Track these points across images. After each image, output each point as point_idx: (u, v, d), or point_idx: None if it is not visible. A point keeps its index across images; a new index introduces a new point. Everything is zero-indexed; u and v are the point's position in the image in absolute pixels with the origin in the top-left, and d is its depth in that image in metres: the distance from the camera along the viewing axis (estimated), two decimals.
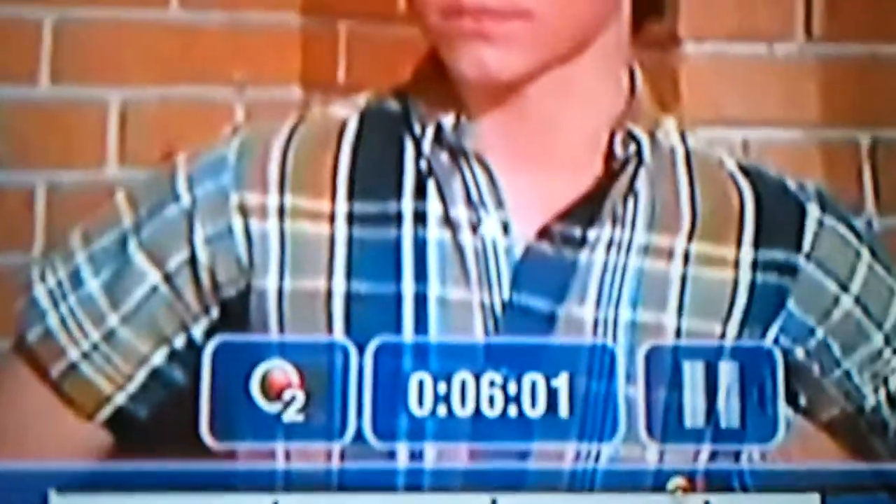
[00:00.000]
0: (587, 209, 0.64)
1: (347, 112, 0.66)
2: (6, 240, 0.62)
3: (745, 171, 0.67)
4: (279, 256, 0.64)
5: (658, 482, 0.64)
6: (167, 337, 0.65)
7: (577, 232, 0.64)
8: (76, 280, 0.65)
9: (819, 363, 0.66)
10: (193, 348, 0.65)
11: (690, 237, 0.65)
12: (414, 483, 0.63)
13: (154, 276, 0.65)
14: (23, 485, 0.63)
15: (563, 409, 0.64)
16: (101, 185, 0.63)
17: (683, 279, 0.65)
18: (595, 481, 0.64)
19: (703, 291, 0.64)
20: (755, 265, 0.65)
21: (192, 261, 0.65)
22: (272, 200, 0.64)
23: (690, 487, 0.63)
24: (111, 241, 0.65)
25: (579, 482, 0.64)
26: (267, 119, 0.68)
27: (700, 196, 0.65)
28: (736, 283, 0.65)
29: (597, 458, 0.64)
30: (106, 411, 0.65)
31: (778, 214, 0.65)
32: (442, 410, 0.64)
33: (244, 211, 0.64)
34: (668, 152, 0.66)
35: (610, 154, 0.64)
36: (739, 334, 0.64)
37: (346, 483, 0.63)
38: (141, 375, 0.65)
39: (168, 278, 0.65)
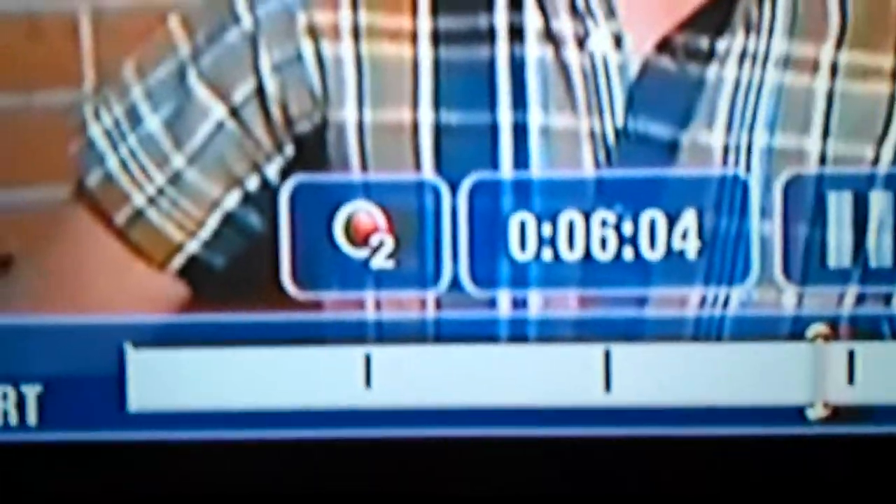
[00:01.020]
0: (715, 14, 0.55)
1: None
2: (51, 76, 0.56)
3: None
4: (357, 84, 0.57)
5: (796, 329, 0.56)
6: (239, 178, 0.58)
7: (704, 42, 0.55)
8: (134, 117, 0.59)
9: None
10: (269, 190, 0.58)
11: (839, 44, 0.55)
12: (518, 334, 0.57)
13: (219, 111, 0.58)
14: (96, 339, 0.58)
15: (688, 250, 0.56)
16: (152, 9, 0.55)
17: (830, 95, 0.55)
18: (723, 330, 0.56)
19: (853, 109, 0.55)
20: None
21: (260, 91, 0.57)
22: (345, 18, 0.56)
23: (834, 335, 0.56)
24: (169, 72, 0.58)
25: (705, 331, 0.57)
26: None
27: None
28: (893, 97, 0.56)
29: (725, 303, 0.56)
30: (178, 260, 0.59)
31: None
32: (547, 254, 0.57)
33: (314, 32, 0.57)
34: None
35: None
36: None
37: (443, 334, 0.57)
38: (213, 221, 0.59)
39: (234, 112, 0.58)
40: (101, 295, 0.60)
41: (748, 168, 0.56)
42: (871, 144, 0.56)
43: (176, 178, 0.59)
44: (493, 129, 0.57)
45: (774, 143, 0.56)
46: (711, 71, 0.56)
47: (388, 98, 0.58)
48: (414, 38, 0.57)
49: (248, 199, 0.59)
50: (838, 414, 0.56)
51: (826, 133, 0.56)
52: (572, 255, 0.57)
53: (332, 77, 0.58)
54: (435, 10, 0.57)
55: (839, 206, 0.56)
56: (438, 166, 0.57)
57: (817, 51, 0.56)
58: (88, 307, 0.60)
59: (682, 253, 0.57)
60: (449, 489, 0.58)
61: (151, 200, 0.60)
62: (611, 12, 0.56)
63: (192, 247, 0.60)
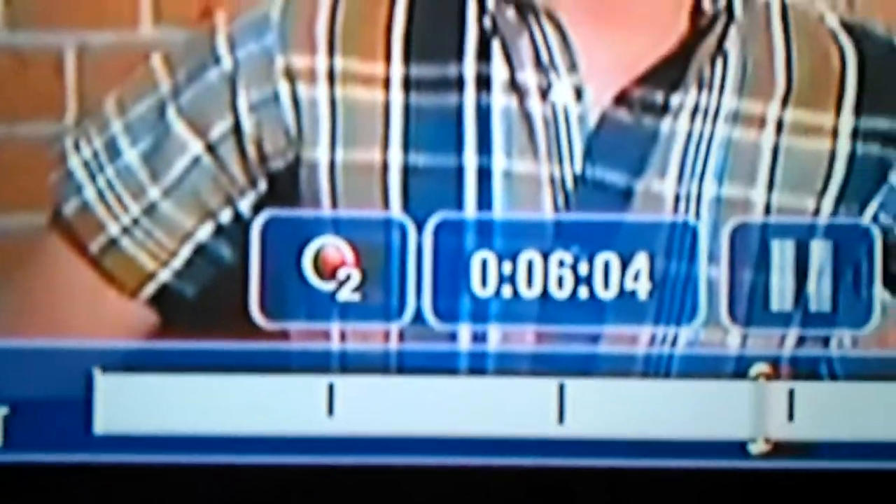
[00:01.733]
0: (670, 72, 0.59)
1: None
2: (34, 108, 0.58)
3: (849, 28, 0.60)
4: (330, 125, 0.60)
5: (740, 368, 0.59)
6: (212, 211, 0.61)
7: (659, 97, 0.59)
8: (113, 150, 0.61)
9: None
10: (240, 223, 0.61)
11: (785, 103, 0.59)
12: (477, 367, 0.60)
13: (196, 146, 0.60)
14: (66, 363, 0.60)
15: (639, 291, 0.59)
16: (136, 47, 0.58)
17: (776, 150, 0.59)
18: (671, 367, 0.59)
19: (796, 163, 0.59)
20: (855, 134, 0.59)
21: (237, 129, 0.60)
22: (321, 63, 0.59)
23: (775, 374, 0.59)
24: (148, 107, 0.61)
25: (654, 367, 0.59)
26: None
27: (797, 56, 0.59)
28: (833, 154, 0.59)
29: (674, 342, 0.60)
30: (150, 288, 0.61)
31: (884, 78, 0.59)
32: (507, 291, 0.60)
33: (291, 75, 0.59)
34: (763, 7, 0.60)
35: (696, 10, 0.59)
36: (835, 211, 0.59)
37: (405, 366, 0.60)
38: (185, 251, 0.61)
39: (211, 148, 0.60)
40: (72, 320, 0.62)
41: (698, 216, 0.60)
42: (812, 197, 0.60)
43: (151, 210, 0.62)
44: (459, 171, 0.60)
45: (723, 192, 0.60)
46: (665, 124, 0.60)
47: (359, 139, 0.60)
48: (386, 83, 0.60)
49: (220, 231, 0.62)
50: (779, 449, 0.59)
51: (771, 185, 0.60)
52: (531, 293, 0.60)
53: (306, 118, 0.61)
54: (407, 58, 0.60)
55: (782, 253, 0.60)
56: (406, 205, 0.60)
57: (764, 108, 0.60)
58: (59, 332, 0.61)
59: (633, 293, 0.60)
60: None
61: (126, 230, 0.62)
62: (573, 66, 0.60)
63: (164, 276, 0.62)
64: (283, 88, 0.61)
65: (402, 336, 0.60)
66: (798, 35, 0.61)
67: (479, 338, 0.60)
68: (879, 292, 0.60)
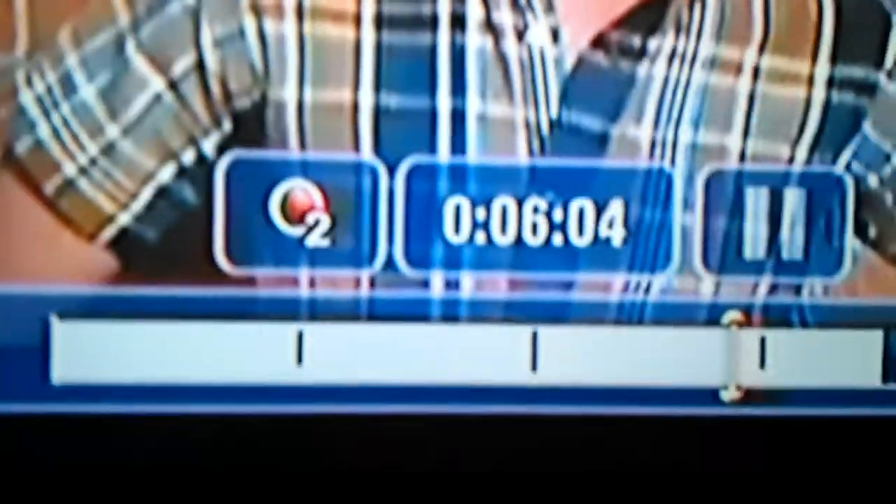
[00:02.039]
0: (648, 15, 0.58)
1: None
2: None
3: None
4: (298, 64, 0.57)
5: (712, 316, 0.59)
6: (174, 151, 0.58)
7: (637, 41, 0.58)
8: (68, 85, 0.58)
9: (893, 192, 0.61)
10: (204, 164, 0.58)
11: (762, 49, 0.59)
12: (449, 314, 0.59)
13: (157, 83, 0.58)
14: (21, 310, 0.57)
15: (613, 238, 0.59)
16: None
17: (752, 97, 0.59)
18: (644, 314, 0.59)
19: (772, 111, 0.59)
20: (831, 82, 0.59)
21: (200, 66, 0.57)
22: None
23: (747, 322, 0.59)
24: (106, 41, 0.58)
25: (627, 315, 0.59)
26: None
27: (774, 3, 0.59)
28: (808, 102, 0.59)
29: (647, 289, 0.59)
30: (109, 232, 0.58)
31: (859, 25, 0.59)
32: (480, 238, 0.59)
33: (257, 9, 0.57)
34: None
35: None
36: (809, 159, 0.59)
37: (376, 313, 0.58)
38: (146, 193, 0.58)
39: (173, 85, 0.58)
40: (27, 265, 0.59)
41: (673, 162, 0.59)
42: (787, 144, 0.60)
43: (109, 149, 0.59)
44: (432, 113, 0.58)
45: (698, 139, 0.59)
46: (642, 68, 0.59)
47: (329, 79, 0.58)
48: (357, 20, 0.58)
49: (183, 172, 0.59)
50: (750, 396, 0.60)
51: (746, 132, 0.60)
52: (504, 240, 0.59)
53: (273, 55, 0.58)
54: None
55: (756, 201, 0.60)
56: (377, 148, 0.58)
57: (741, 54, 0.60)
58: (14, 276, 0.58)
59: (608, 240, 0.59)
60: (378, 464, 0.59)
61: (83, 170, 0.59)
62: (550, 7, 0.58)
63: (124, 219, 0.59)
64: (250, 23, 0.58)
65: (372, 283, 0.59)
66: None
67: (451, 285, 0.59)
68: (851, 241, 0.60)
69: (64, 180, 0.59)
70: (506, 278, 0.59)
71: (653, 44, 0.59)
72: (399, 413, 0.59)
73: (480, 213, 0.59)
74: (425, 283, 0.59)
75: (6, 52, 0.58)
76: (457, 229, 0.59)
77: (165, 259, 0.59)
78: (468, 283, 0.59)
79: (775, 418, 0.59)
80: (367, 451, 0.59)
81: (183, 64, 0.58)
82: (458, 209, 0.59)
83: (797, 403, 0.60)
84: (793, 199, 0.60)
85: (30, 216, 0.59)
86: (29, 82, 0.59)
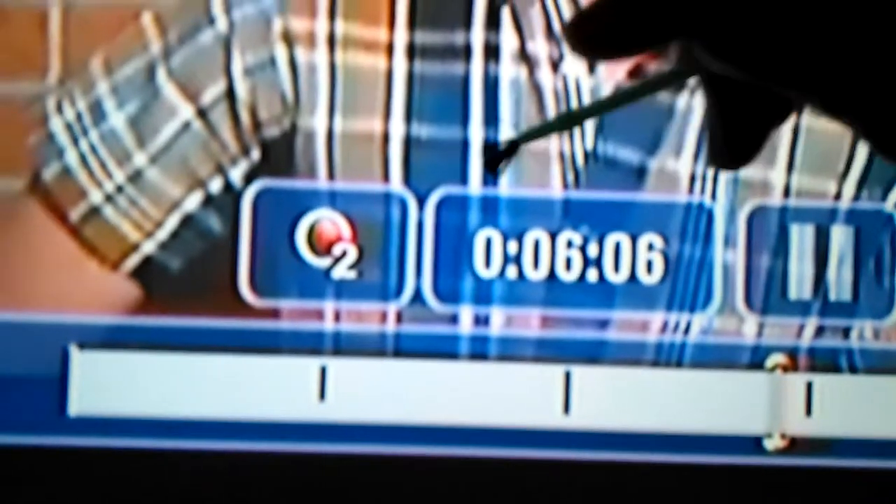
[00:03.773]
0: None
1: None
2: (16, 66, 0.54)
3: None
4: (329, 92, 0.56)
5: (755, 359, 0.56)
6: (201, 180, 0.57)
7: None
8: (98, 113, 0.57)
9: None
10: (231, 193, 0.57)
11: None
12: (478, 351, 0.56)
13: (186, 111, 0.57)
14: (41, 338, 0.56)
15: (651, 275, 0.56)
16: (125, 5, 0.55)
17: (796, 130, 0.57)
18: (683, 356, 0.56)
19: (817, 144, 0.56)
20: None
21: (230, 94, 0.57)
22: (321, 27, 0.56)
23: (792, 366, 0.56)
24: (137, 69, 0.57)
25: (665, 356, 0.56)
26: None
27: None
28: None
29: (686, 330, 0.56)
30: (133, 260, 0.57)
31: None
32: (512, 272, 0.56)
33: (289, 39, 0.56)
34: None
35: None
36: (857, 195, 0.56)
37: (402, 348, 0.56)
38: (172, 222, 0.57)
39: (202, 113, 0.57)
40: (47, 294, 0.58)
41: (714, 196, 0.57)
42: (833, 180, 0.58)
43: (136, 177, 0.58)
44: (464, 144, 0.57)
45: (740, 173, 0.57)
46: (682, 100, 0.57)
47: (359, 108, 0.57)
48: (390, 50, 0.57)
49: (209, 201, 0.58)
50: (796, 445, 0.56)
51: (791, 166, 0.57)
52: (537, 275, 0.57)
53: (304, 83, 0.58)
54: (412, 24, 0.57)
55: (802, 238, 0.57)
56: (407, 178, 0.57)
57: None
58: (36, 304, 0.58)
59: (645, 277, 0.57)
60: None
61: (109, 198, 0.58)
62: None
63: (148, 247, 0.58)
64: (281, 52, 0.57)
65: (399, 317, 0.57)
66: None
67: (481, 321, 0.57)
68: None
69: (90, 207, 0.58)
70: (538, 315, 0.57)
71: None
72: (424, 455, 0.56)
73: (512, 247, 0.57)
74: (454, 319, 0.57)
75: (38, 80, 0.58)
76: (487, 263, 0.57)
77: (189, 289, 0.58)
78: (498, 320, 0.57)
79: (822, 469, 0.56)
80: (389, 494, 0.56)
81: (213, 92, 0.58)
82: (488, 242, 0.57)
83: (846, 454, 0.56)
84: (840, 236, 0.57)
85: (54, 243, 0.58)
86: (59, 109, 0.59)
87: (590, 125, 0.57)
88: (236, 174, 0.58)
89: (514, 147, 0.27)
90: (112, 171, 0.58)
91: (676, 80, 0.27)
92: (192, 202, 0.58)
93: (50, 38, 0.58)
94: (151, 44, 0.58)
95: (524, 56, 0.57)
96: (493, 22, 0.57)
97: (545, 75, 0.57)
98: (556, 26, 0.57)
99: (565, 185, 0.57)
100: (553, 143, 0.57)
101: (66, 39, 0.58)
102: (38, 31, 0.58)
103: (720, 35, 0.24)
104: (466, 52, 0.57)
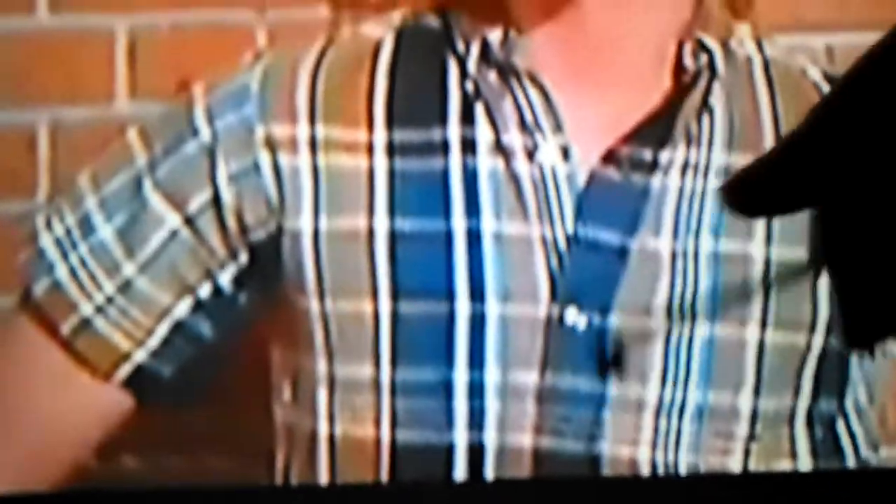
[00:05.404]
0: (657, 129, 0.58)
1: (381, 31, 0.60)
2: (6, 185, 0.56)
3: (832, 80, 0.60)
4: (313, 193, 0.58)
5: None
6: (190, 286, 0.58)
7: (648, 154, 0.58)
8: (87, 227, 0.59)
9: None
10: (221, 298, 0.58)
11: None
12: None
13: (173, 220, 0.58)
14: None
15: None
16: (111, 122, 0.56)
17: None
18: None
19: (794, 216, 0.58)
20: None
21: (216, 201, 0.58)
22: (302, 131, 0.58)
23: None
24: (124, 182, 0.59)
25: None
26: (292, 43, 0.62)
27: (783, 109, 0.59)
28: None
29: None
30: (124, 370, 0.57)
31: None
32: None
33: (271, 144, 0.58)
34: (744, 62, 0.60)
35: (679, 67, 0.59)
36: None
37: None
38: (162, 329, 0.58)
39: (189, 221, 0.58)
40: (42, 408, 0.58)
41: (696, 272, 0.58)
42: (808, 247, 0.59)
43: (126, 287, 0.59)
44: (448, 235, 0.58)
45: (720, 247, 0.58)
46: (656, 180, 0.59)
47: (344, 206, 0.59)
48: (370, 149, 0.59)
49: (199, 307, 0.59)
50: None
51: (769, 238, 0.59)
52: None
53: (288, 186, 0.59)
54: (390, 124, 0.59)
55: None
56: (394, 271, 0.58)
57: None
58: (28, 421, 0.57)
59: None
60: None
61: (99, 309, 0.59)
62: (558, 126, 0.59)
63: (140, 356, 0.59)
64: (264, 158, 0.59)
65: None
66: (782, 88, 0.61)
67: None
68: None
69: (80, 320, 0.59)
70: None
71: (665, 156, 0.59)
72: None
73: None
74: None
75: (28, 199, 0.59)
76: None
77: (182, 396, 0.58)
78: None
79: None
80: None
81: (199, 200, 0.59)
82: None
83: None
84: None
85: (46, 359, 0.59)
86: (49, 226, 0.60)
87: (568, 210, 0.58)
88: (225, 278, 0.59)
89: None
90: (102, 282, 0.59)
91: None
92: (182, 308, 0.59)
93: (39, 158, 0.60)
94: (137, 157, 0.60)
95: (500, 148, 0.59)
96: (467, 117, 0.59)
97: (521, 164, 0.59)
98: (528, 118, 0.59)
99: (549, 269, 0.58)
100: (534, 229, 0.58)
101: (54, 157, 0.59)
102: (27, 151, 0.60)
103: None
104: (444, 146, 0.59)
